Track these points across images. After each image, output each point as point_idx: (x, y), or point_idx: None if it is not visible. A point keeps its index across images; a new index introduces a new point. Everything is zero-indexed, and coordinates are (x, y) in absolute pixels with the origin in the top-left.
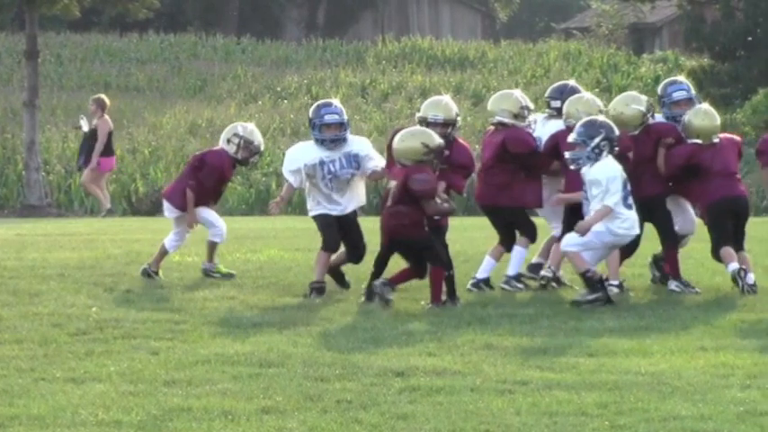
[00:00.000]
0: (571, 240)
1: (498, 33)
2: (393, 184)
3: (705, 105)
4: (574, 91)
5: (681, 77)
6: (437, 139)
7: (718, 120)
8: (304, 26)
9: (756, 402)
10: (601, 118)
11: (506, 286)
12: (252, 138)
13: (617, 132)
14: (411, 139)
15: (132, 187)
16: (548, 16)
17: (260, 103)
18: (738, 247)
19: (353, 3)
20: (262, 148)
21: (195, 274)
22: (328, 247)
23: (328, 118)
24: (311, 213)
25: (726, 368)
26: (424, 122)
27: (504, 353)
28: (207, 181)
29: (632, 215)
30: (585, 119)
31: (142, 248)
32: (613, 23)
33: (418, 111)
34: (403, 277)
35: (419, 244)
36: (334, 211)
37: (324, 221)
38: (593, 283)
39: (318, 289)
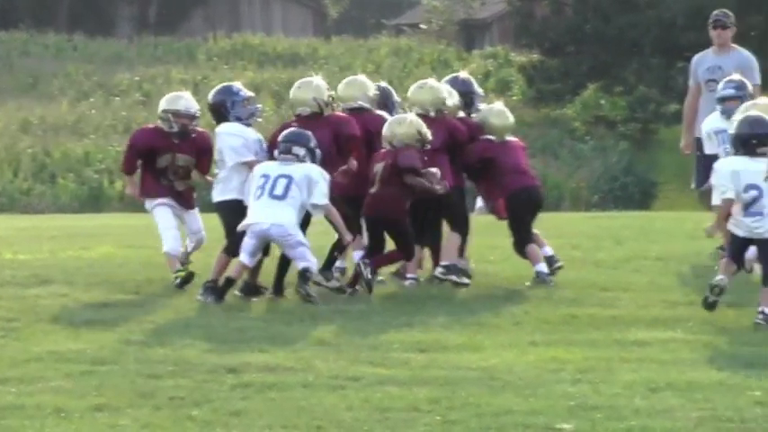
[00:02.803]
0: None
1: (329, 30)
2: (378, 166)
3: (500, 104)
4: (385, 91)
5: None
6: (425, 128)
7: (511, 119)
8: (135, 24)
9: (587, 397)
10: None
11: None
12: (176, 106)
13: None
14: (408, 125)
15: None
16: (378, 12)
17: (92, 100)
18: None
19: (185, 0)
20: (191, 109)
21: (28, 272)
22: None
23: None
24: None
25: (556, 363)
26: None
27: (335, 349)
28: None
29: None
30: None
31: None
32: (444, 19)
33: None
34: (389, 260)
35: (398, 227)
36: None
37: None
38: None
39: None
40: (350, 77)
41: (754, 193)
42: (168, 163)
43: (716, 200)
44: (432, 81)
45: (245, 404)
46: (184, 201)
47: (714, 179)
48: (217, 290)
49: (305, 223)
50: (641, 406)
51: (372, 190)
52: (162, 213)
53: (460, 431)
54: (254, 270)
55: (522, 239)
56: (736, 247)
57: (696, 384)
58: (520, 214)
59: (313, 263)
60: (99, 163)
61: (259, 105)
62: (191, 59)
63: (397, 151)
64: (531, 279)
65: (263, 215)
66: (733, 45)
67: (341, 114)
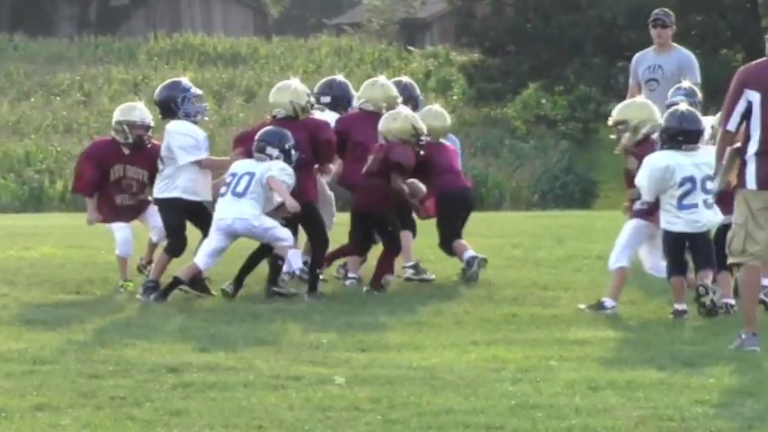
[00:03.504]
0: None
1: (270, 29)
2: (371, 157)
3: (437, 107)
4: (342, 86)
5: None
6: (422, 124)
7: (448, 120)
8: (76, 23)
9: (528, 396)
10: None
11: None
12: (131, 117)
13: None
14: (402, 120)
15: None
16: (319, 12)
17: (33, 100)
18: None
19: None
20: (146, 120)
21: None
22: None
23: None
24: None
25: (497, 362)
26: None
27: (276, 348)
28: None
29: None
30: None
31: None
32: (384, 19)
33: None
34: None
35: (384, 220)
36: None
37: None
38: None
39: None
40: (282, 82)
41: (688, 185)
42: (120, 176)
43: (644, 195)
44: (383, 79)
45: (186, 404)
46: (138, 213)
47: (641, 175)
48: (158, 290)
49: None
50: (582, 405)
51: (359, 184)
52: (117, 224)
53: (401, 430)
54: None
55: (449, 238)
56: (677, 247)
57: (637, 383)
58: (450, 214)
59: (288, 239)
60: (40, 163)
61: (206, 104)
62: (131, 59)
63: (391, 146)
64: (460, 272)
65: (226, 211)
66: (673, 44)
67: (317, 119)
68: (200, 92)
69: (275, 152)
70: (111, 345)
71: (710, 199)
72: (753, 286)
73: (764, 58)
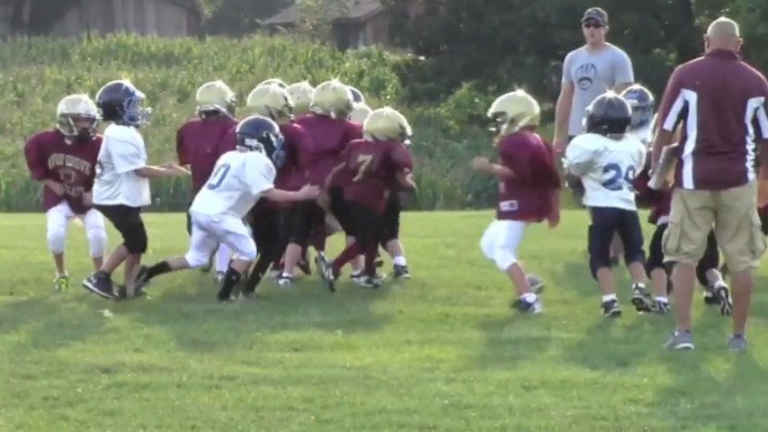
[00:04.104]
0: None
1: (203, 29)
2: (362, 158)
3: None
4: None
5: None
6: (406, 121)
7: (396, 122)
8: (9, 23)
9: (461, 395)
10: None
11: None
12: (76, 109)
13: None
14: (390, 120)
15: None
16: (252, 12)
17: None
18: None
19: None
20: (91, 112)
21: None
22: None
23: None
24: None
25: (431, 362)
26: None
27: (210, 348)
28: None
29: None
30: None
31: None
32: (317, 19)
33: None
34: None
35: (370, 216)
36: None
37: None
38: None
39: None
40: (209, 83)
41: (613, 173)
42: (59, 164)
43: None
44: (336, 82)
45: (120, 404)
46: (80, 207)
47: (572, 154)
48: (109, 283)
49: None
50: (515, 404)
51: (356, 179)
52: (52, 217)
53: (335, 430)
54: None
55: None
56: (605, 233)
57: (570, 383)
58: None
59: (248, 255)
60: None
61: (149, 109)
62: (65, 59)
63: (389, 146)
64: (392, 272)
65: (196, 204)
66: (606, 43)
67: (296, 127)
68: (143, 96)
69: (254, 143)
70: (44, 345)
71: (626, 186)
72: (686, 284)
73: (701, 57)
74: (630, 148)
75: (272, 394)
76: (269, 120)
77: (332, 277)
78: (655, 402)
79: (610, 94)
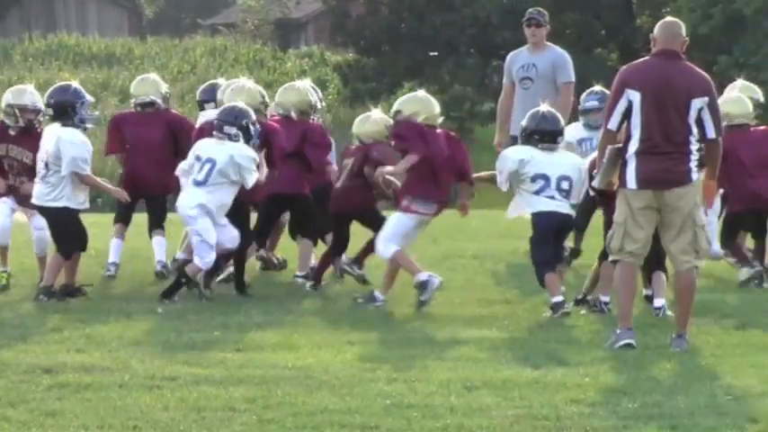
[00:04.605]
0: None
1: (145, 30)
2: (346, 162)
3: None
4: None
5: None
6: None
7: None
8: None
9: (402, 395)
10: None
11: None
12: (22, 100)
13: None
14: (377, 123)
15: None
16: (194, 12)
17: None
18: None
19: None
20: (38, 104)
21: None
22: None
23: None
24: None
25: (373, 362)
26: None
27: (152, 348)
28: None
29: None
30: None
31: None
32: (259, 19)
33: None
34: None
35: (369, 214)
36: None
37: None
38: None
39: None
40: (143, 75)
41: (541, 182)
42: (2, 154)
43: (499, 183)
44: (300, 83)
45: (61, 404)
46: (25, 199)
47: (498, 166)
48: (54, 294)
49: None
50: (457, 404)
51: (339, 184)
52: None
53: (276, 430)
54: (72, 272)
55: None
56: (546, 239)
57: (512, 382)
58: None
59: (205, 265)
60: None
61: (97, 112)
62: (6, 60)
63: (372, 146)
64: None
65: (181, 200)
66: (547, 43)
67: (271, 123)
68: (93, 99)
69: (233, 130)
70: None
71: (560, 196)
72: (628, 283)
73: (646, 58)
74: (563, 160)
75: (214, 394)
76: (246, 107)
77: (358, 271)
78: (596, 402)
79: (544, 107)
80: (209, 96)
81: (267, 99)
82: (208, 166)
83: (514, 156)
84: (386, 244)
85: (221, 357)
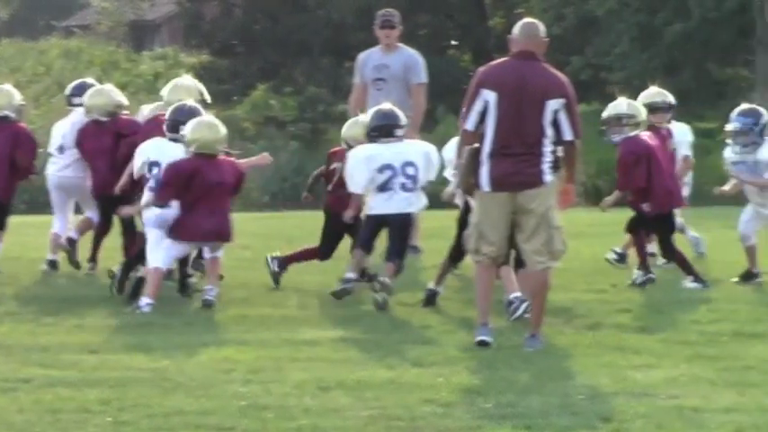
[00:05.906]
0: None
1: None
2: (334, 165)
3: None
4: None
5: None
6: None
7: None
8: None
9: (258, 396)
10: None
11: None
12: None
13: None
14: (363, 126)
15: None
16: (49, 14)
17: None
18: None
19: None
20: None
21: None
22: None
23: None
24: None
25: (228, 363)
26: None
27: (6, 351)
28: None
29: None
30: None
31: None
32: (113, 21)
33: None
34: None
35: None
36: None
37: None
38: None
39: None
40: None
41: (388, 173)
42: None
43: (350, 186)
44: (109, 86)
45: None
46: None
47: (347, 170)
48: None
49: None
50: (311, 405)
51: (330, 188)
52: None
53: None
54: None
55: None
56: (370, 230)
57: (366, 383)
58: None
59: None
60: None
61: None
62: None
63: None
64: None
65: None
66: (399, 44)
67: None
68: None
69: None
70: None
71: (409, 183)
72: (484, 284)
73: (504, 59)
74: (406, 148)
75: (69, 396)
76: (198, 106)
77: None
78: (450, 402)
79: (385, 105)
80: (78, 92)
81: (207, 97)
82: (156, 169)
83: (360, 155)
84: (154, 257)
85: (76, 359)
